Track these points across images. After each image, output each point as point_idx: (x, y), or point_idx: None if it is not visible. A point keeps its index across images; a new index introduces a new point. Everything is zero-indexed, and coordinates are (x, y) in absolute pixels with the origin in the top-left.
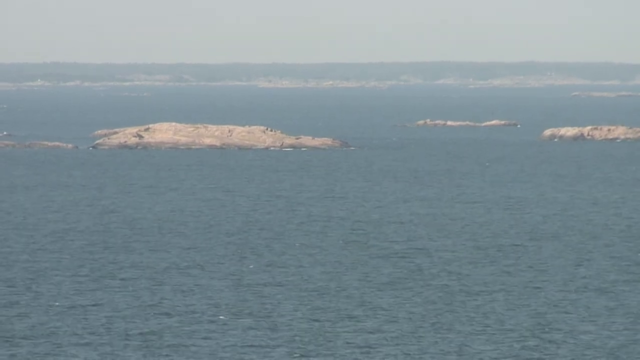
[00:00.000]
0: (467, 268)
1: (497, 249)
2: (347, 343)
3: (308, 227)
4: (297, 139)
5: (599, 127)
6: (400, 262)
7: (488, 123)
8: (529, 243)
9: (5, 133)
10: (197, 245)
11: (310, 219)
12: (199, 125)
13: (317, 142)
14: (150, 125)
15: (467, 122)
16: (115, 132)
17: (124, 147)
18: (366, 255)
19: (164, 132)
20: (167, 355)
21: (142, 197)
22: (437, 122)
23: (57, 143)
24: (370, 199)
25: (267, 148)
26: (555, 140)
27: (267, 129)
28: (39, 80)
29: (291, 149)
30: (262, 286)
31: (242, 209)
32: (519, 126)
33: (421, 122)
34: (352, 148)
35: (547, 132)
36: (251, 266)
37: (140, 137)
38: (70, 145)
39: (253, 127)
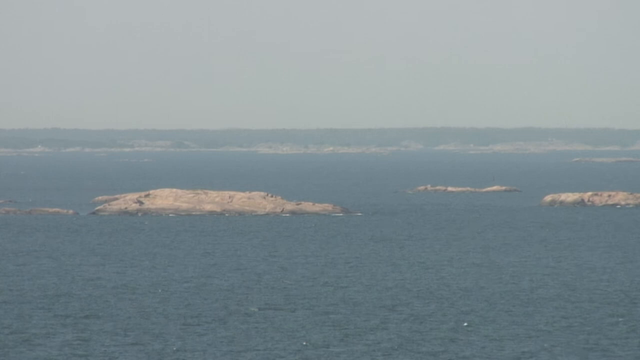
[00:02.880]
0: (449, 334)
1: (481, 314)
2: None
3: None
4: (298, 204)
5: (599, 193)
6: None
7: (489, 189)
8: (515, 309)
9: (1, 201)
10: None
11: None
12: (199, 191)
13: (317, 207)
14: (151, 192)
15: (468, 188)
16: (116, 198)
17: (124, 213)
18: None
19: (165, 199)
20: None
21: (132, 264)
22: (437, 187)
23: (57, 209)
24: (357, 264)
25: (267, 214)
26: (556, 205)
27: (267, 195)
28: (39, 146)
29: (291, 215)
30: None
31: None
32: (519, 192)
33: (422, 187)
34: (353, 214)
35: (548, 197)
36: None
37: (141, 203)
38: (70, 212)
39: (253, 193)
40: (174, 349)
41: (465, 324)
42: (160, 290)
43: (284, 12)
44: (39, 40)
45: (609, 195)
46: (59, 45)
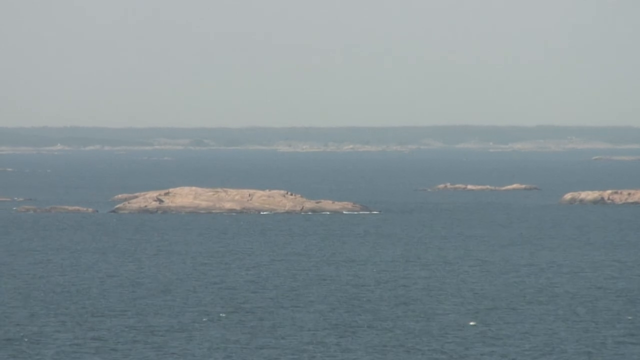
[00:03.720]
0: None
1: (487, 312)
2: None
3: (303, 290)
4: (317, 203)
5: (619, 191)
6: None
7: (509, 187)
8: (523, 307)
9: (21, 199)
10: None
11: (308, 282)
12: (219, 190)
13: (337, 206)
14: (171, 190)
15: (488, 186)
16: (136, 197)
17: (144, 211)
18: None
19: (184, 197)
20: None
21: (146, 261)
22: (457, 185)
23: (77, 207)
24: (374, 263)
25: (287, 212)
26: (576, 204)
27: (287, 193)
28: (58, 144)
29: (311, 213)
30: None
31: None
32: (539, 190)
33: (442, 185)
34: (372, 212)
35: (567, 196)
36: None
37: (161, 201)
38: (90, 210)
39: (273, 191)
40: (177, 344)
41: (472, 323)
42: (176, 288)
43: (301, 10)
44: (58, 38)
45: (629, 194)
46: (78, 44)
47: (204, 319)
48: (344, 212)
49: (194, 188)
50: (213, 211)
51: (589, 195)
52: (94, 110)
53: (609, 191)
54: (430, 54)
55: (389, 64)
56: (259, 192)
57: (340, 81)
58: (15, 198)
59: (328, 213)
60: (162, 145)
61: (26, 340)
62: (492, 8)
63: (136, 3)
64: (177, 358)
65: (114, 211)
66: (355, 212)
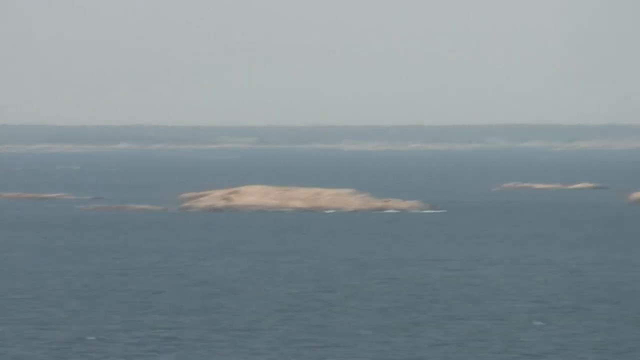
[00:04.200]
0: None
1: (553, 312)
2: None
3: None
4: (385, 201)
5: None
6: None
7: (576, 186)
8: (591, 306)
9: (89, 197)
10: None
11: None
12: (287, 188)
13: (405, 204)
14: (238, 188)
15: (555, 185)
16: (203, 195)
17: (212, 209)
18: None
19: (252, 195)
20: None
21: (213, 259)
22: (524, 184)
23: (145, 206)
24: (440, 261)
25: (355, 211)
26: None
27: (354, 192)
28: (123, 142)
29: (378, 212)
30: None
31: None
32: (607, 189)
33: (509, 184)
34: (440, 211)
35: (636, 194)
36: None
37: (228, 200)
38: (158, 208)
39: (341, 190)
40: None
41: (539, 322)
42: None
43: (373, 6)
44: (123, 36)
45: None
46: (144, 42)
47: (271, 317)
48: (411, 211)
49: (262, 186)
50: (280, 210)
51: None
52: (158, 108)
53: None
54: (496, 52)
55: (455, 63)
56: (327, 191)
57: (407, 79)
58: (83, 196)
59: (395, 212)
60: (227, 144)
61: (93, 338)
62: (560, 8)
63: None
64: (245, 357)
65: (181, 210)
66: (423, 211)
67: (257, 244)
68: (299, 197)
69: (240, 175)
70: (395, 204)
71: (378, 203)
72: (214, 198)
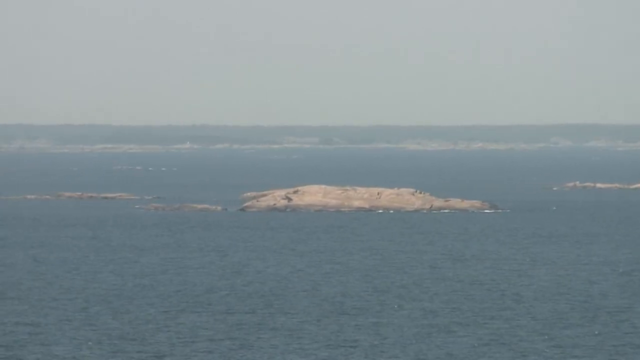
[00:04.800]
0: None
1: (608, 313)
2: None
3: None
4: (446, 201)
5: None
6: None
7: (638, 185)
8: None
9: (150, 197)
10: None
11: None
12: (347, 188)
13: (466, 204)
14: (299, 188)
15: (616, 185)
16: (264, 195)
17: (272, 209)
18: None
19: (313, 195)
20: None
21: (273, 258)
22: (586, 184)
23: (205, 206)
24: (496, 260)
25: (416, 210)
26: None
27: (416, 191)
28: (187, 143)
29: (440, 211)
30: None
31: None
32: None
33: (570, 184)
34: (501, 210)
35: None
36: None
37: (289, 199)
38: (218, 208)
39: (402, 190)
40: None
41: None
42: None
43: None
44: (189, 37)
45: None
46: (208, 43)
47: (322, 317)
48: (473, 211)
49: (322, 186)
50: (342, 209)
51: None
52: (222, 108)
53: None
54: (563, 52)
55: (518, 62)
56: (388, 191)
57: (468, 78)
58: (145, 196)
59: (456, 211)
60: (290, 144)
61: (133, 338)
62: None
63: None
64: (294, 357)
65: (242, 209)
66: (484, 211)
67: (315, 243)
68: (359, 196)
69: (302, 175)
70: (457, 204)
71: (439, 202)
72: (275, 198)
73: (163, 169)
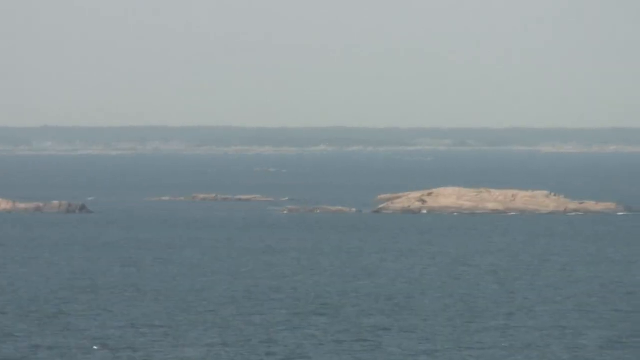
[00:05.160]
0: None
1: None
2: None
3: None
4: (580, 203)
5: None
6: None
7: None
8: None
9: (285, 199)
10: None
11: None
12: (482, 190)
13: (600, 206)
14: (434, 190)
15: None
16: (399, 197)
17: (407, 211)
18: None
19: (448, 197)
20: None
21: (404, 261)
22: None
23: (340, 207)
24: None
25: (550, 213)
26: None
27: (550, 194)
28: (322, 145)
29: (574, 214)
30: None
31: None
32: None
33: None
34: (636, 213)
35: None
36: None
37: (424, 201)
38: (353, 210)
39: (536, 192)
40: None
41: None
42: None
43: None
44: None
45: None
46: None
47: (459, 317)
48: (607, 213)
49: (457, 188)
50: (476, 212)
51: None
52: (357, 110)
53: None
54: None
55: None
56: (522, 193)
57: (611, 80)
58: (279, 198)
59: (591, 214)
60: (425, 146)
61: (235, 341)
62: None
63: None
64: (432, 358)
65: (377, 211)
66: (618, 213)
67: (447, 245)
68: (494, 199)
69: (436, 177)
70: (591, 206)
71: (573, 205)
72: (409, 199)
73: (305, 170)
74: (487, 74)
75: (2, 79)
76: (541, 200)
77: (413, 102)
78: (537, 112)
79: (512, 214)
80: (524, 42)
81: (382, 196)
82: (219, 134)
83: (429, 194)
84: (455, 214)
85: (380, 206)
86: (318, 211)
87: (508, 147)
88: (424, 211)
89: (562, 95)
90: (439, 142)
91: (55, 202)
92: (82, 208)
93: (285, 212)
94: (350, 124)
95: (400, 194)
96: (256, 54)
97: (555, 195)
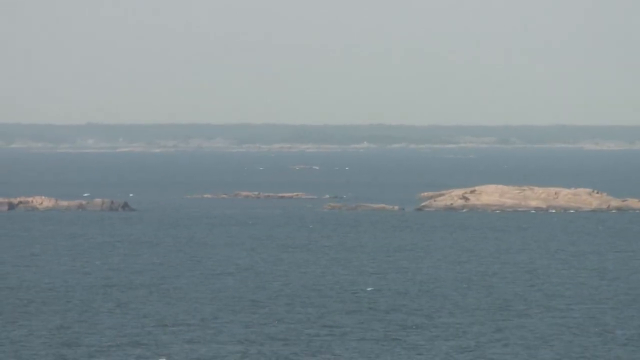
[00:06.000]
0: None
1: None
2: None
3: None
4: (624, 201)
5: None
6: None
7: None
8: None
9: (327, 196)
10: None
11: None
12: (524, 188)
13: None
14: (476, 188)
15: None
16: (441, 194)
17: (449, 209)
18: None
19: (490, 195)
20: None
21: (440, 258)
22: None
23: (382, 205)
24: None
25: (593, 210)
26: None
27: (593, 191)
28: (364, 142)
29: (617, 212)
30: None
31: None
32: None
33: None
34: None
35: None
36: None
37: (466, 199)
38: (395, 207)
39: (579, 190)
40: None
41: None
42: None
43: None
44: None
45: None
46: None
47: (495, 314)
48: None
49: (499, 186)
50: (519, 209)
51: None
52: (399, 108)
53: None
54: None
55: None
56: (565, 190)
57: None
58: (322, 196)
59: (634, 211)
60: (467, 144)
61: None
62: None
63: None
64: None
65: (419, 209)
66: None
67: (488, 243)
68: (536, 196)
69: (479, 174)
70: (634, 204)
71: (616, 202)
72: (451, 197)
73: (348, 168)
74: (528, 71)
75: (44, 77)
76: (584, 198)
77: (455, 100)
78: (579, 110)
79: (554, 211)
80: (559, 40)
81: (425, 194)
82: (262, 131)
83: (472, 192)
84: (498, 211)
85: (423, 204)
86: (360, 209)
87: (550, 145)
88: (464, 210)
89: (604, 92)
90: (481, 140)
91: (98, 200)
92: (125, 206)
93: (327, 209)
94: (392, 122)
95: (443, 192)
96: (288, 54)
97: (597, 192)
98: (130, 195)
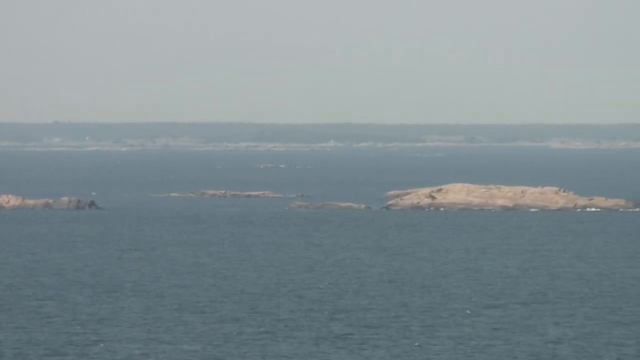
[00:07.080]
0: None
1: None
2: None
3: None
4: (590, 200)
5: None
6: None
7: None
8: None
9: (293, 195)
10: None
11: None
12: (491, 186)
13: (610, 203)
14: (443, 186)
15: None
16: (408, 193)
17: (416, 207)
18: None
19: (457, 193)
20: None
21: (403, 259)
22: None
23: (349, 204)
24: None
25: (559, 209)
26: None
27: (560, 190)
28: (331, 141)
29: (583, 210)
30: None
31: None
32: None
33: None
34: None
35: None
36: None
37: (433, 197)
38: (362, 206)
39: (546, 188)
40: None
41: None
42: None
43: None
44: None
45: None
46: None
47: (468, 312)
48: (616, 209)
49: (466, 184)
50: (485, 208)
51: None
52: (366, 107)
53: None
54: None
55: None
56: (531, 189)
57: (622, 76)
58: (288, 194)
59: (600, 210)
60: (434, 142)
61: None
62: None
63: None
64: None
65: (386, 207)
66: (628, 209)
67: (456, 242)
68: (503, 195)
69: (446, 173)
70: (600, 202)
71: (583, 201)
72: (418, 196)
73: (313, 167)
74: (496, 70)
75: (11, 75)
76: (550, 197)
77: (422, 99)
78: (546, 109)
79: (526, 210)
80: (530, 40)
81: (392, 192)
82: (228, 130)
83: (439, 190)
84: (465, 210)
85: (390, 202)
86: (327, 207)
87: (517, 143)
88: (431, 208)
89: (571, 91)
90: (448, 139)
91: (65, 199)
92: (92, 204)
93: (294, 208)
94: (359, 121)
95: (410, 190)
96: (256, 53)
97: (564, 191)
98: (93, 193)
